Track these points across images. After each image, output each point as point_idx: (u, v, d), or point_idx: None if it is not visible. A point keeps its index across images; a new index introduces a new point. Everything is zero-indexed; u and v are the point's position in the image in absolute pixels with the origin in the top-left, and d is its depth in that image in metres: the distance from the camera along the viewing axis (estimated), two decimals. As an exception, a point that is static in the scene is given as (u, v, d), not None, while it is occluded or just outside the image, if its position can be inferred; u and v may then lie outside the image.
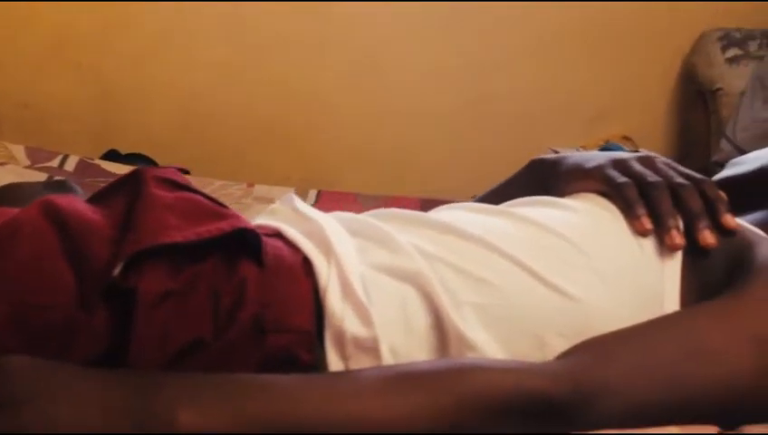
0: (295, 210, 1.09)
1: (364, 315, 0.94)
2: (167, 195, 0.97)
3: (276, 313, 0.93)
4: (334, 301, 0.95)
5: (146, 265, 0.90)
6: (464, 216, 1.12)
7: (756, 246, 1.06)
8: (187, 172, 2.79)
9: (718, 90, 2.79)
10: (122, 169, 2.48)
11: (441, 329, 0.97)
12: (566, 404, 0.88)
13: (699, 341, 0.96)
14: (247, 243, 0.96)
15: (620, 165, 1.14)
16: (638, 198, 1.09)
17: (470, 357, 0.95)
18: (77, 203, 0.97)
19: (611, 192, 1.11)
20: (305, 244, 1.01)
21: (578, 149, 2.86)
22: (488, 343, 0.97)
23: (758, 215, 1.23)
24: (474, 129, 3.06)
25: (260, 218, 1.11)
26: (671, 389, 0.93)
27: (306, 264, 0.99)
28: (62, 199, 0.95)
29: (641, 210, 1.07)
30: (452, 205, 1.18)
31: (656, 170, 1.12)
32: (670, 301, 1.03)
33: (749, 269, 1.02)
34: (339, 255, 0.98)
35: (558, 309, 1.00)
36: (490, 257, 1.02)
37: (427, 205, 1.77)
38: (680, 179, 1.11)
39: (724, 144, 2.62)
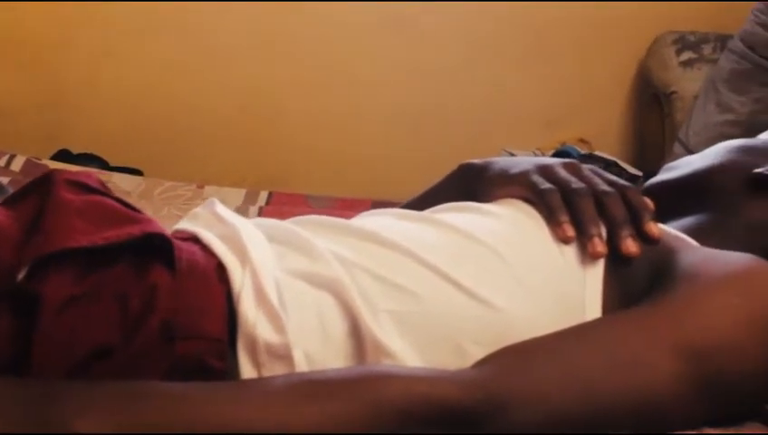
0: (215, 214, 1.08)
1: (277, 322, 0.93)
2: (76, 199, 0.95)
3: (186, 319, 0.91)
4: (247, 307, 0.94)
5: (51, 270, 0.88)
6: (386, 222, 1.11)
7: (679, 253, 1.06)
8: (139, 173, 2.79)
9: (672, 93, 2.80)
10: (73, 170, 2.45)
11: (358, 336, 0.96)
12: (477, 412, 0.87)
13: (617, 349, 0.95)
14: (160, 248, 0.95)
15: (545, 171, 1.13)
16: (561, 204, 1.08)
17: (383, 365, 0.94)
18: (-16, 207, 0.96)
19: (535, 198, 1.11)
20: (220, 248, 0.99)
21: (534, 152, 2.86)
22: (405, 351, 0.96)
23: (686, 220, 1.23)
24: (429, 131, 3.06)
25: (182, 223, 1.10)
26: (588, 397, 0.92)
27: (221, 269, 0.97)
28: (-33, 203, 0.94)
29: (564, 217, 1.06)
30: (377, 211, 1.17)
31: (580, 177, 1.11)
32: (592, 309, 1.02)
33: (670, 277, 1.02)
34: (254, 260, 0.97)
35: (477, 317, 0.99)
36: (409, 265, 1.01)
37: (379, 207, 1.76)
38: (605, 187, 1.10)
39: (677, 147, 2.63)
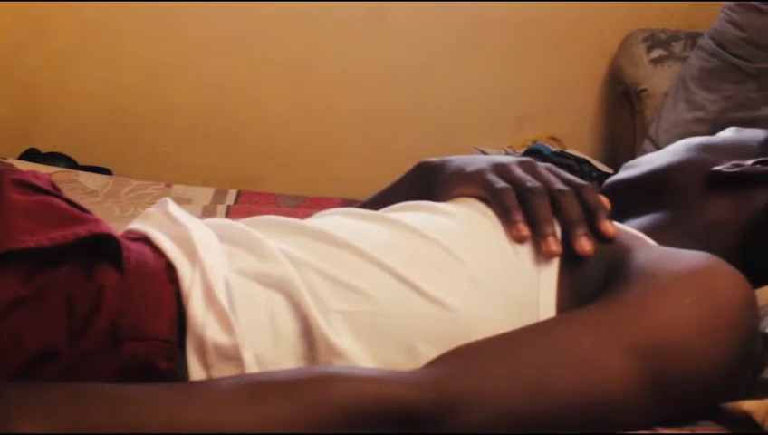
0: (167, 214, 1.07)
1: (226, 323, 0.92)
2: (23, 199, 0.94)
3: (134, 320, 0.91)
4: (196, 308, 0.93)
5: (-4, 271, 0.88)
6: (339, 222, 1.10)
7: (633, 251, 1.06)
8: (108, 172, 2.77)
9: (643, 91, 2.79)
10: (40, 169, 2.44)
11: (309, 337, 0.95)
12: (428, 413, 0.87)
13: (569, 348, 0.95)
14: (109, 249, 0.94)
15: (501, 169, 1.12)
16: (515, 203, 1.07)
17: (334, 366, 0.94)
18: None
19: (490, 197, 1.10)
20: (171, 248, 0.99)
21: (506, 150, 2.86)
22: (357, 352, 0.95)
23: (645, 219, 1.23)
24: (400, 129, 3.05)
25: (134, 223, 1.09)
26: (540, 397, 0.92)
27: (170, 269, 0.96)
28: None
29: (518, 216, 1.06)
30: (332, 210, 1.16)
31: (536, 175, 1.11)
32: (546, 308, 1.02)
33: (624, 275, 1.02)
34: (203, 260, 0.96)
35: (430, 317, 0.98)
36: (361, 265, 1.01)
37: (350, 206, 1.76)
38: (560, 185, 1.09)
39: (647, 145, 2.62)
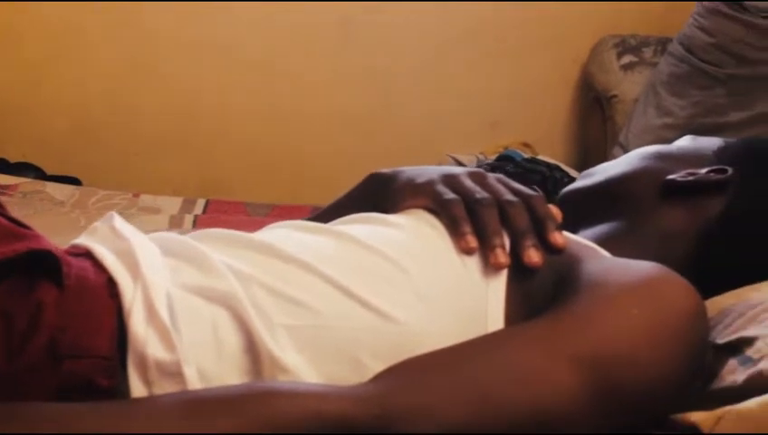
0: (112, 229, 1.06)
1: (167, 339, 0.91)
2: (-39, 217, 0.94)
3: (73, 336, 0.90)
4: (137, 323, 0.92)
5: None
6: (286, 234, 1.09)
7: (584, 262, 1.05)
8: (78, 182, 2.75)
9: (613, 97, 2.80)
10: (7, 180, 2.44)
11: (254, 352, 0.94)
12: (369, 428, 0.86)
13: (515, 361, 0.94)
14: (49, 265, 0.93)
15: (450, 181, 1.12)
16: (464, 215, 1.07)
17: (276, 381, 0.93)
18: None
19: (438, 208, 1.10)
20: (113, 264, 0.98)
21: (477, 156, 2.85)
22: (302, 366, 0.94)
23: (599, 229, 1.22)
24: (371, 136, 3.04)
25: (80, 238, 1.08)
26: (485, 410, 0.91)
27: (112, 284, 0.96)
28: None
29: (466, 228, 1.05)
30: (280, 223, 1.15)
31: (485, 186, 1.10)
32: (494, 321, 1.01)
33: (573, 286, 1.01)
34: (145, 275, 0.95)
35: (375, 330, 0.98)
36: (306, 278, 1.00)
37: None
38: (509, 196, 1.09)
39: (617, 151, 2.62)
